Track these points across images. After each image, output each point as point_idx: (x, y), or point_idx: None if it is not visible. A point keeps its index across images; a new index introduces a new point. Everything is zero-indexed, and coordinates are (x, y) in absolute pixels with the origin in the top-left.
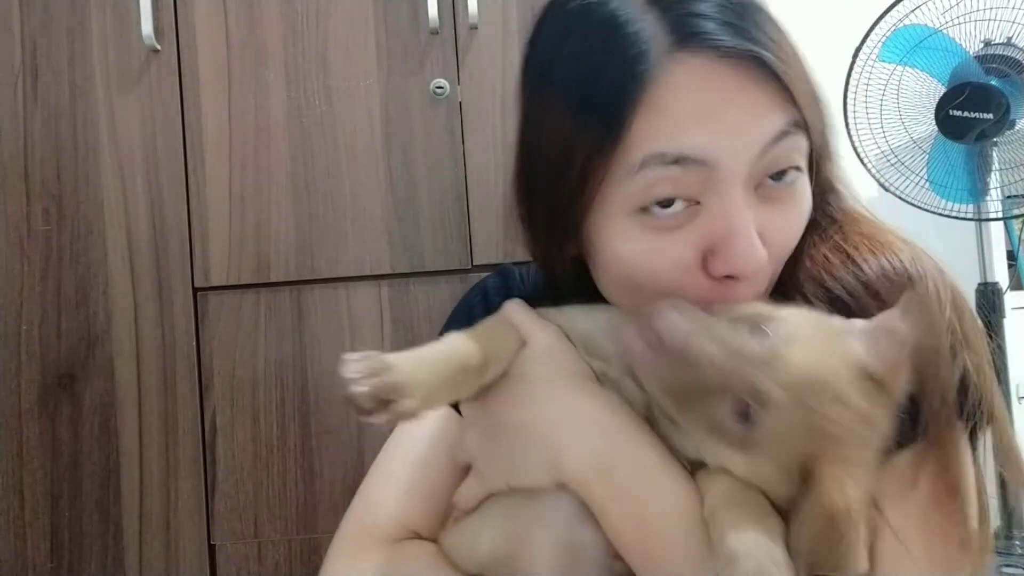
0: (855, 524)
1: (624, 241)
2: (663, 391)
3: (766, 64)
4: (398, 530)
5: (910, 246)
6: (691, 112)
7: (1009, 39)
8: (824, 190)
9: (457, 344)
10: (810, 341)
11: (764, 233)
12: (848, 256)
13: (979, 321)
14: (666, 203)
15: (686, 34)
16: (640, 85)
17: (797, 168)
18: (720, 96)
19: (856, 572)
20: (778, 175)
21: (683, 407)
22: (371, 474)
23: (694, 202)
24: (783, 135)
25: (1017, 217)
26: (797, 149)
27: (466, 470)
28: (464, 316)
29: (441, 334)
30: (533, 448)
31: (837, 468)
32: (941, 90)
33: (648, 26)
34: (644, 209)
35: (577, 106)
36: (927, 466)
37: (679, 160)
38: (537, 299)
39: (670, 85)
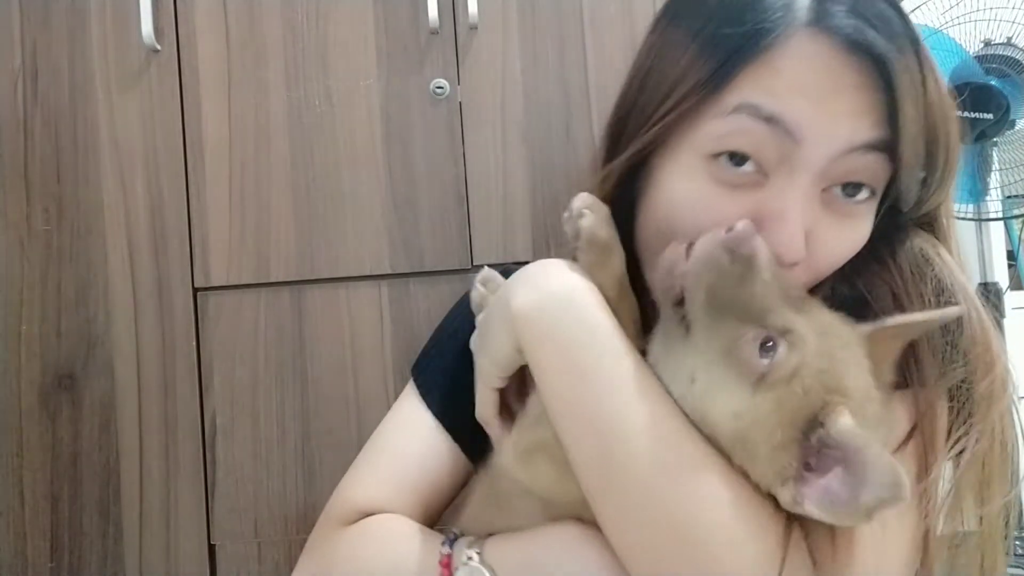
0: None
1: (686, 181)
2: (707, 294)
3: (888, 74)
4: (363, 516)
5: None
6: (800, 83)
7: (1009, 39)
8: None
9: None
10: (833, 315)
11: (812, 238)
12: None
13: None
14: (738, 162)
15: (828, 13)
16: (766, 41)
17: (871, 189)
18: (833, 83)
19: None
20: (850, 189)
21: (715, 320)
22: (347, 472)
23: (763, 173)
24: (870, 147)
25: (1017, 217)
26: (877, 169)
27: (440, 465)
28: (458, 319)
29: (431, 341)
30: (499, 307)
31: (855, 420)
32: None
33: None
34: (716, 158)
35: (703, 41)
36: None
37: (770, 119)
38: None
39: (793, 52)
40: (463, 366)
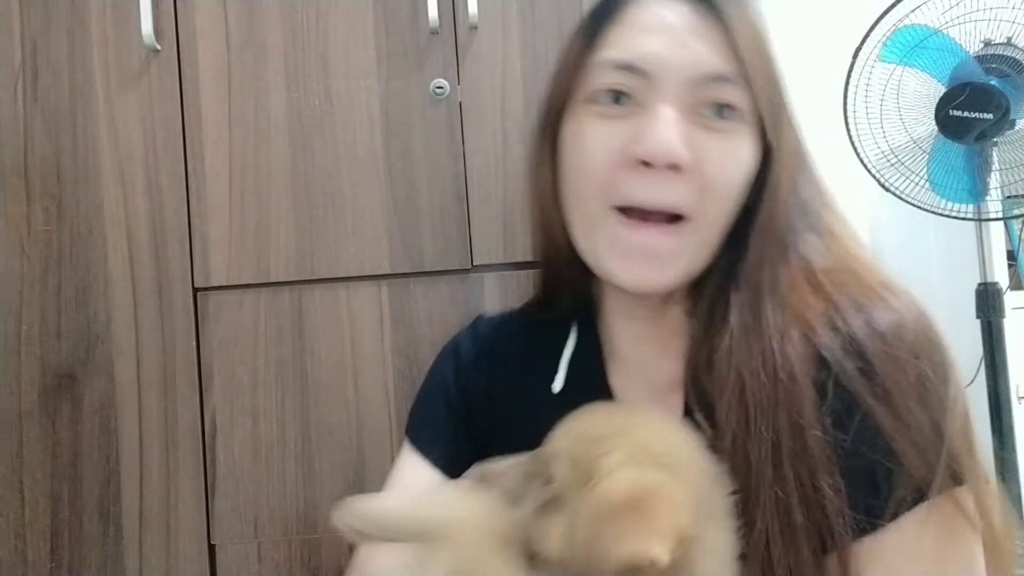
0: (648, 514)
1: (577, 127)
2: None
3: (723, 19)
4: None
5: (893, 292)
6: (647, 27)
7: (1009, 39)
8: (789, 176)
9: None
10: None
11: (695, 155)
12: (833, 304)
13: (957, 383)
14: (617, 100)
15: None
16: (621, 4)
17: (738, 112)
18: (679, 25)
19: (654, 560)
20: (719, 109)
21: (517, 507)
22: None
23: (638, 104)
24: (723, 79)
25: (1017, 217)
26: (736, 96)
27: None
28: (440, 374)
29: (418, 400)
30: None
31: (613, 465)
32: (941, 90)
33: None
34: (595, 100)
35: (582, 29)
36: (930, 530)
37: (624, 66)
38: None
39: (643, 8)
40: (456, 418)
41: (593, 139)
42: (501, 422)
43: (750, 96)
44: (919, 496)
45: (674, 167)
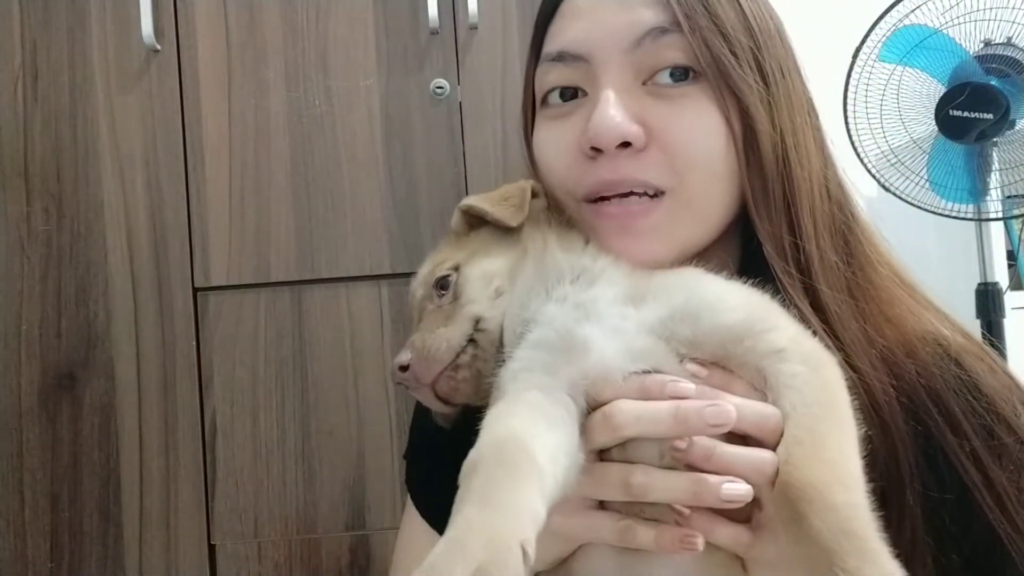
0: None
1: (537, 134)
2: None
3: None
4: None
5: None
6: (578, 13)
7: (1009, 39)
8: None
9: None
10: None
11: (652, 126)
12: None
13: None
14: (568, 98)
15: None
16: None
17: (690, 71)
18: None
19: None
20: (679, 74)
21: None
22: None
23: (584, 94)
24: (660, 32)
25: (1017, 217)
26: (686, 52)
27: None
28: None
29: (410, 445)
30: None
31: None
32: (941, 90)
33: None
34: (546, 102)
35: (533, 37)
36: None
37: (560, 57)
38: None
39: None
40: (448, 464)
41: (549, 141)
42: None
43: (695, 46)
44: None
45: (626, 145)
